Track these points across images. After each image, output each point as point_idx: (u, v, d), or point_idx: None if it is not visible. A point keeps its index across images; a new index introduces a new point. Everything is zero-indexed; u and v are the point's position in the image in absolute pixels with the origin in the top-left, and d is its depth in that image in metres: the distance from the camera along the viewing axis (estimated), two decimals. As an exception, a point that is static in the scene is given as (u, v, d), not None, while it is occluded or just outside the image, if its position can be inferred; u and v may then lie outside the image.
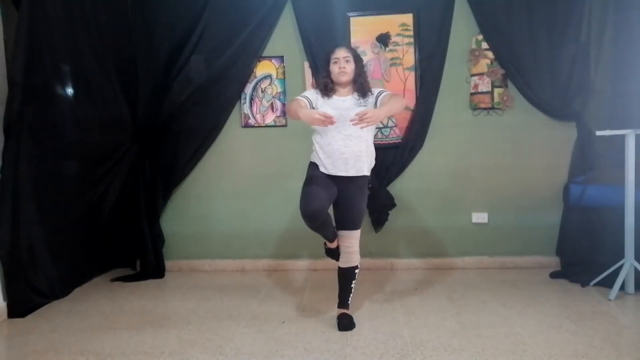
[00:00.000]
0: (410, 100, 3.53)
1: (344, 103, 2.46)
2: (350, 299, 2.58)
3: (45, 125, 2.94)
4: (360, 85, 2.48)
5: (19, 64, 2.71)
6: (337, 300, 2.59)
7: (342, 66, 2.45)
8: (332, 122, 2.21)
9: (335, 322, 2.53)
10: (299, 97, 2.50)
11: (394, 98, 2.39)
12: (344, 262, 2.54)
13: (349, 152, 2.38)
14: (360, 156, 2.40)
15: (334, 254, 2.60)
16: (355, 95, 2.49)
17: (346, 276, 2.56)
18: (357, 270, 2.55)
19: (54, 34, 2.96)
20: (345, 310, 2.57)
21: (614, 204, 2.99)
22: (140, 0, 3.59)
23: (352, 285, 2.56)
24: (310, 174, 2.48)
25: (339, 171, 2.41)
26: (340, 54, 2.46)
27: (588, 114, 3.37)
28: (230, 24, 3.51)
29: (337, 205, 2.51)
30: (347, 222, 2.49)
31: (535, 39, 3.40)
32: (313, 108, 2.48)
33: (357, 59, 2.51)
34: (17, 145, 2.74)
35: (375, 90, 2.52)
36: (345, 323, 2.48)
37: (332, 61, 2.48)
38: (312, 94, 2.54)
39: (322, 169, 2.45)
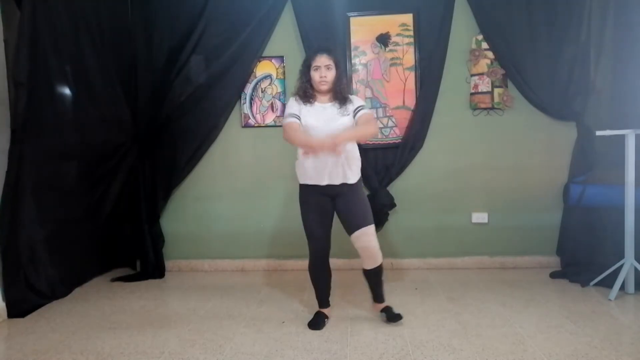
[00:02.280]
0: (410, 100, 3.54)
1: (325, 111, 2.40)
2: (384, 291, 2.59)
3: (45, 125, 2.94)
4: (339, 92, 2.42)
5: (23, 65, 2.71)
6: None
7: (323, 75, 2.37)
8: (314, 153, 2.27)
9: (335, 321, 2.55)
10: (291, 120, 2.39)
11: (365, 125, 2.33)
12: (369, 264, 2.45)
13: (333, 160, 2.34)
14: (344, 164, 2.37)
15: (320, 322, 2.51)
16: (336, 104, 2.42)
17: (375, 275, 2.51)
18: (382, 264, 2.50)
19: (55, 34, 2.97)
20: (386, 304, 2.58)
21: (614, 204, 2.99)
22: (140, 0, 3.59)
23: (383, 279, 2.55)
24: (304, 209, 2.47)
25: (326, 180, 2.37)
26: (322, 61, 2.37)
27: (588, 114, 3.37)
28: (230, 24, 3.51)
29: (340, 212, 2.45)
30: (357, 220, 2.40)
31: (535, 39, 3.40)
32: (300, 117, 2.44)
33: (338, 65, 2.43)
34: (19, 145, 2.74)
35: (355, 100, 2.45)
36: (394, 315, 2.50)
37: (312, 68, 2.39)
38: (295, 106, 2.45)
39: (311, 182, 2.41)
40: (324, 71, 2.37)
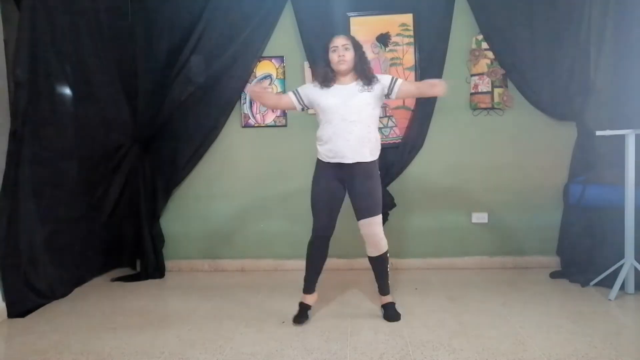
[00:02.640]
0: (410, 100, 3.54)
1: (345, 90, 2.44)
2: (389, 284, 2.62)
3: (45, 126, 2.94)
4: (362, 73, 2.45)
5: (22, 65, 2.71)
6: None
7: (341, 54, 2.41)
8: (262, 88, 2.40)
9: (335, 321, 2.54)
10: (287, 92, 2.59)
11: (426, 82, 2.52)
12: (373, 252, 2.54)
13: (353, 138, 2.38)
14: (363, 142, 2.40)
15: (304, 315, 2.56)
16: (359, 82, 2.45)
17: (379, 264, 2.58)
18: (387, 254, 2.57)
19: (55, 33, 2.96)
20: (389, 299, 2.62)
21: (614, 204, 2.99)
22: (140, 0, 3.59)
23: (388, 270, 2.59)
24: (314, 188, 2.51)
25: (345, 158, 2.40)
26: (339, 42, 2.43)
27: (588, 114, 3.37)
28: (230, 24, 3.51)
29: (352, 196, 2.50)
30: (365, 209, 2.46)
31: (535, 39, 3.40)
32: (303, 101, 2.54)
33: (357, 46, 2.48)
34: (19, 145, 2.74)
35: (384, 77, 2.49)
36: (392, 314, 2.55)
37: (330, 50, 2.45)
38: (308, 88, 2.54)
39: (327, 160, 2.44)
40: (341, 51, 2.42)
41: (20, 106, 2.71)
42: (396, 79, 2.49)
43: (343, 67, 2.43)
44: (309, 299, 2.61)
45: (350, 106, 2.39)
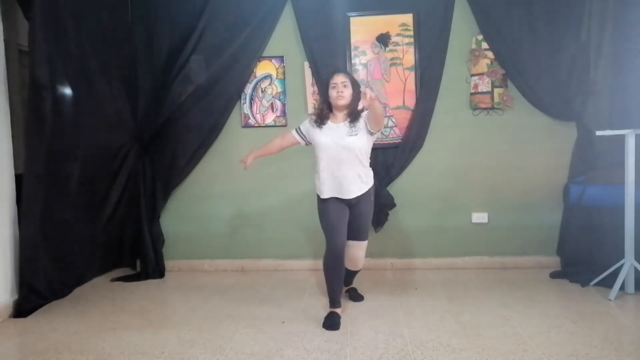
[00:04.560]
0: (410, 100, 3.54)
1: (336, 130, 2.55)
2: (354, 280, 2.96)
3: (46, 126, 2.93)
4: (354, 110, 2.57)
5: (42, 67, 2.77)
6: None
7: (340, 90, 2.53)
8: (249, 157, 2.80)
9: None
10: (290, 131, 2.76)
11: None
12: (350, 267, 2.75)
13: (341, 177, 2.52)
14: (352, 180, 2.52)
15: (335, 323, 2.49)
16: (348, 122, 2.55)
17: (352, 273, 2.88)
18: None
19: (60, 36, 2.96)
20: (352, 285, 2.97)
21: (614, 203, 2.99)
22: (140, 0, 3.59)
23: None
24: (323, 209, 2.61)
25: (335, 194, 2.54)
26: (338, 79, 2.55)
27: (588, 114, 3.37)
28: (230, 24, 3.51)
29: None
30: (356, 234, 2.65)
31: (535, 39, 3.40)
32: (305, 137, 2.68)
33: (354, 85, 2.59)
34: (24, 145, 2.76)
35: (363, 114, 2.61)
36: (355, 295, 2.92)
37: (330, 86, 2.57)
38: (307, 125, 2.68)
39: (327, 196, 2.56)
40: (340, 87, 2.54)
41: (46, 108, 2.78)
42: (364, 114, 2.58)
43: (341, 102, 2.54)
44: (338, 310, 2.61)
45: (338, 148, 2.51)
